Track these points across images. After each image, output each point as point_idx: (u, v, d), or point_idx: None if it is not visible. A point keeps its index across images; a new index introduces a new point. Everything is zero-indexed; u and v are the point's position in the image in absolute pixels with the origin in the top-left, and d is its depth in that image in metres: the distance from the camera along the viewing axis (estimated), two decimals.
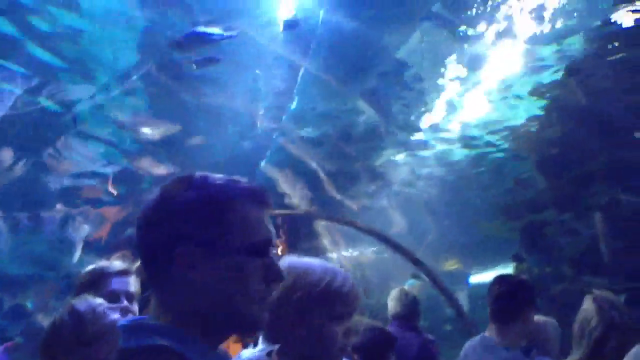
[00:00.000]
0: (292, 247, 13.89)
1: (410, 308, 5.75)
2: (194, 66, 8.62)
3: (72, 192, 11.91)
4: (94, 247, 11.91)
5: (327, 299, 1.89)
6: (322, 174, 12.19)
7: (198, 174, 1.44)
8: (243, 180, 1.46)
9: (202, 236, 1.34)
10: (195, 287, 1.34)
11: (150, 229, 1.38)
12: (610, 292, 3.28)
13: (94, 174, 11.89)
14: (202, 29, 7.53)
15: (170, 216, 1.36)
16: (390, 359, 4.21)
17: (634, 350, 2.75)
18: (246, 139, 11.42)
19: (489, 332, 3.65)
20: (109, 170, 11.60)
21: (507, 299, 3.56)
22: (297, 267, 1.93)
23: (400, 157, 12.15)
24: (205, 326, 1.36)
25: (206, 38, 7.47)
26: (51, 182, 11.44)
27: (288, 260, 1.97)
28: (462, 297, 9.84)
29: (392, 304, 5.83)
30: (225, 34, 7.51)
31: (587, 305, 3.18)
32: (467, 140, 11.31)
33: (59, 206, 11.93)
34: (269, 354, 1.95)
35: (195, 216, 1.35)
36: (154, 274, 1.39)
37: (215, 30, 7.51)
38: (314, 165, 12.03)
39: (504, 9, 8.36)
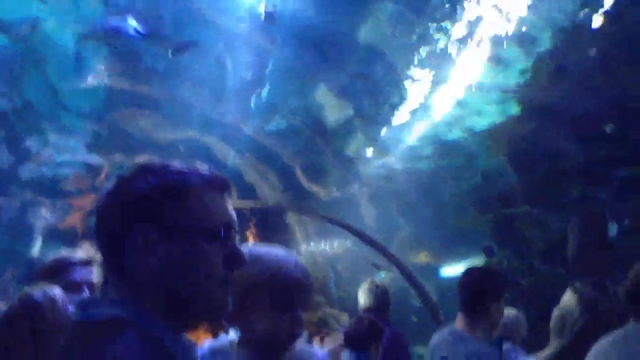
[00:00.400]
0: (263, 239, 13.80)
1: (381, 300, 5.72)
2: (170, 53, 8.46)
3: (49, 181, 11.69)
4: (66, 236, 11.75)
5: (273, 288, 1.90)
6: (292, 165, 12.10)
7: (157, 161, 1.44)
8: (203, 166, 1.46)
9: (161, 220, 1.34)
10: (154, 272, 1.32)
11: (108, 214, 1.37)
12: (587, 286, 3.27)
13: (75, 164, 11.66)
14: (131, 21, 7.36)
15: (129, 201, 1.35)
16: (378, 349, 4.30)
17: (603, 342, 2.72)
18: (212, 129, 11.26)
19: (459, 324, 3.64)
20: (93, 160, 11.33)
21: (475, 289, 3.57)
22: (251, 254, 1.92)
23: (370, 149, 12.08)
24: (165, 312, 1.34)
25: (115, 31, 7.34)
26: (24, 171, 11.21)
27: (244, 248, 1.98)
28: (433, 290, 9.84)
29: (362, 296, 5.79)
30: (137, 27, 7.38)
31: (569, 297, 3.17)
32: (438, 133, 11.29)
33: (28, 195, 11.76)
34: (232, 342, 2.00)
35: (154, 201, 1.35)
36: (112, 261, 1.38)
37: (133, 24, 7.36)
38: (283, 156, 11.93)
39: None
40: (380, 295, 5.74)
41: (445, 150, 11.59)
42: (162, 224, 1.34)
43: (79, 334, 1.29)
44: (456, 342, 3.55)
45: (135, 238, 1.32)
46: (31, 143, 10.83)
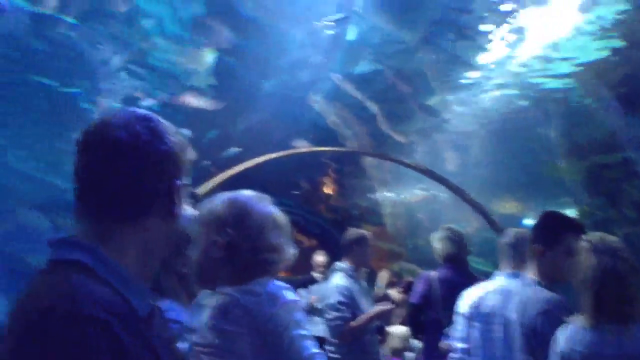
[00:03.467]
0: (340, 185, 13.66)
1: (460, 248, 5.44)
2: None
3: None
4: None
5: None
6: (375, 111, 11.79)
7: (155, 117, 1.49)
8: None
9: (182, 174, 1.49)
10: (175, 220, 1.47)
11: (137, 169, 1.40)
12: (606, 235, 2.89)
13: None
14: None
15: (161, 159, 1.43)
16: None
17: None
18: (299, 71, 11.04)
19: (529, 271, 3.46)
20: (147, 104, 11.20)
21: (537, 233, 3.40)
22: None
23: (455, 95, 11.57)
24: (156, 253, 1.47)
25: None
26: None
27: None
28: None
29: (440, 244, 5.52)
30: None
31: (582, 254, 2.81)
32: (529, 77, 10.66)
33: None
34: None
35: (180, 159, 1.48)
36: (138, 206, 1.42)
37: None
38: (366, 101, 11.63)
39: None
40: (458, 243, 5.45)
41: (535, 93, 10.95)
42: (182, 181, 1.48)
43: (41, 271, 1.35)
44: (522, 289, 3.38)
45: (175, 191, 1.44)
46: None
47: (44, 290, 1.27)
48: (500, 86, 10.99)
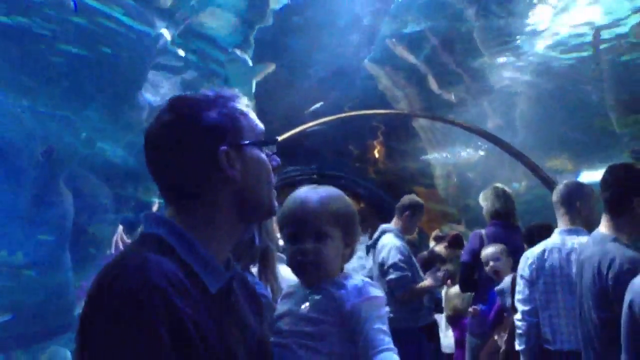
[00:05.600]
0: (389, 148, 13.67)
1: (507, 204, 5.50)
2: None
3: None
4: None
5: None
6: (424, 71, 11.69)
7: (202, 93, 1.62)
8: (226, 91, 1.65)
9: (230, 138, 1.55)
10: (236, 183, 1.54)
11: (181, 145, 1.52)
12: None
13: None
14: None
15: (202, 130, 1.53)
16: None
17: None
18: (350, 34, 10.97)
19: (602, 227, 3.42)
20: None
21: (615, 186, 3.33)
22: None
23: (506, 53, 11.30)
24: (228, 220, 1.57)
25: None
26: None
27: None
28: None
29: (487, 202, 5.59)
30: None
31: None
32: (583, 33, 10.31)
33: None
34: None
35: (220, 124, 1.55)
36: (192, 185, 1.54)
37: None
38: (416, 62, 11.53)
39: None
40: (506, 199, 5.51)
41: (591, 48, 10.58)
42: (232, 140, 1.54)
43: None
44: (597, 245, 3.34)
45: (220, 154, 1.51)
46: None
47: (120, 260, 1.38)
48: (551, 39, 10.70)
